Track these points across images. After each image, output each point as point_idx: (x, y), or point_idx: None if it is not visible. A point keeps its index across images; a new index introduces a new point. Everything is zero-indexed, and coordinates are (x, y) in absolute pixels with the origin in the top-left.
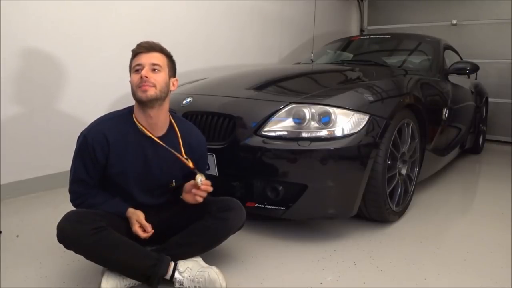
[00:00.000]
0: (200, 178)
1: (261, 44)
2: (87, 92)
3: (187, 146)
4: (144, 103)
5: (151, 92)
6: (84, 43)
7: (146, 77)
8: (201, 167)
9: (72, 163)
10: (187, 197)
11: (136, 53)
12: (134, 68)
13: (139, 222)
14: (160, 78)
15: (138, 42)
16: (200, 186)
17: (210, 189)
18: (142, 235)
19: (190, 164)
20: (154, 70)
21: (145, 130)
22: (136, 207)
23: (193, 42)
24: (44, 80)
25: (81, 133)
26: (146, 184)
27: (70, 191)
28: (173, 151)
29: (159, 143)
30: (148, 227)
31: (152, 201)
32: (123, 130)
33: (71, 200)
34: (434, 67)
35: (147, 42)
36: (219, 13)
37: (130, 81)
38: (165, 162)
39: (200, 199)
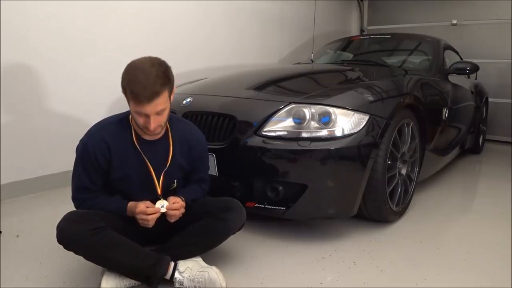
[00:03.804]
0: (161, 205)
1: (261, 44)
2: (87, 92)
3: (186, 146)
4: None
5: (160, 132)
6: (83, 43)
7: (156, 130)
8: (201, 165)
9: (74, 171)
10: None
11: (135, 100)
12: (137, 112)
13: (145, 204)
14: (165, 116)
15: (140, 42)
16: (158, 214)
17: (175, 213)
18: (148, 211)
19: (158, 189)
20: (158, 114)
21: (134, 139)
22: None
23: (193, 42)
24: (44, 80)
25: (80, 141)
26: (148, 186)
27: (74, 199)
28: (149, 166)
29: (140, 152)
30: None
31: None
32: (122, 135)
33: (77, 207)
34: (434, 67)
35: (145, 86)
36: (219, 13)
37: (131, 113)
38: (170, 166)
39: (171, 220)
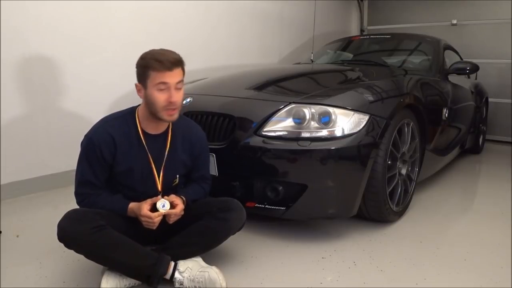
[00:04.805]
0: (162, 204)
1: (261, 44)
2: (87, 92)
3: (187, 143)
4: (164, 120)
5: (176, 115)
6: (84, 43)
7: (176, 101)
8: (202, 163)
9: (78, 166)
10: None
11: (157, 69)
12: (158, 87)
13: (147, 204)
14: (181, 95)
15: (139, 42)
16: (162, 213)
17: (175, 212)
18: (154, 215)
19: (159, 186)
20: (177, 89)
21: (140, 133)
22: None
23: (193, 42)
24: (45, 80)
25: (85, 136)
26: (150, 181)
27: (77, 194)
28: (151, 160)
29: (144, 146)
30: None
31: None
32: (127, 129)
33: (78, 203)
34: (434, 67)
35: (166, 58)
36: (219, 12)
37: (148, 95)
38: (168, 160)
39: (169, 221)
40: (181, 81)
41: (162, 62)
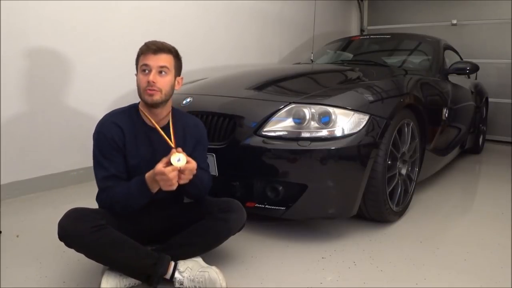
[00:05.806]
0: (178, 158)
1: (260, 44)
2: (88, 91)
3: (188, 133)
4: (149, 105)
5: (157, 97)
6: (85, 42)
7: (154, 82)
8: (199, 153)
9: (95, 164)
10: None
11: (144, 52)
12: (141, 68)
13: (162, 162)
14: (166, 81)
15: (138, 41)
16: (177, 168)
17: (191, 167)
18: (167, 170)
19: (173, 144)
20: (161, 72)
21: (149, 119)
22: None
23: (193, 42)
24: (45, 79)
25: (94, 132)
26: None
27: (101, 190)
28: (162, 133)
29: (158, 130)
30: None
31: (161, 194)
32: (131, 123)
33: (100, 201)
34: (434, 67)
35: (155, 43)
36: (218, 12)
37: (136, 79)
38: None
39: (181, 180)
40: (166, 67)
41: (148, 46)
